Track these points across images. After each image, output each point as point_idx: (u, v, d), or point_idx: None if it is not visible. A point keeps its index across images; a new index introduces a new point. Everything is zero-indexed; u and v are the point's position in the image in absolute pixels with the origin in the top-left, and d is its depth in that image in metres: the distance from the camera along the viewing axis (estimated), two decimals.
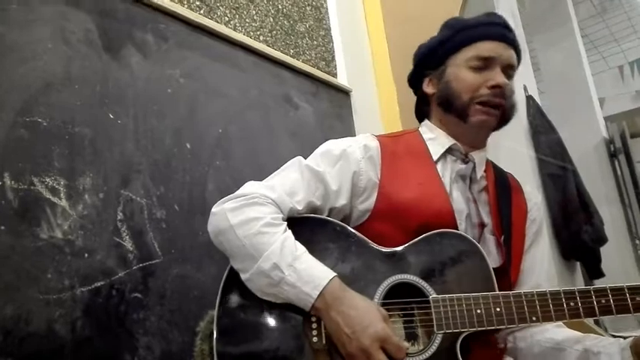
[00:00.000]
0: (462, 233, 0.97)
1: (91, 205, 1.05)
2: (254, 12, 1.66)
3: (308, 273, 0.86)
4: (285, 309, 0.88)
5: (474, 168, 1.06)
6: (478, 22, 1.06)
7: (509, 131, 2.61)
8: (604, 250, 2.65)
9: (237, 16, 1.58)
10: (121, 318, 1.05)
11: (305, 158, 1.07)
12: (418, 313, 0.91)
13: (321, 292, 0.84)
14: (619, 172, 3.57)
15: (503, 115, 1.04)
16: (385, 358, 0.81)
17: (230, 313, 0.90)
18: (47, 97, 1.04)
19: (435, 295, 0.90)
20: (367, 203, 1.01)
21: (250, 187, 0.96)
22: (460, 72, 1.04)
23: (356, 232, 0.97)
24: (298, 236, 0.91)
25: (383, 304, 0.89)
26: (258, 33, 1.65)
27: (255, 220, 0.89)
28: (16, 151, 0.97)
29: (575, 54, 3.68)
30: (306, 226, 0.96)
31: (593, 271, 2.65)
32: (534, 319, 0.89)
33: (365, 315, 0.83)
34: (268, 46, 1.66)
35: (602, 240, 2.58)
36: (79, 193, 1.04)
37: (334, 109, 1.94)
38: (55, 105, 1.05)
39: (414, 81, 1.16)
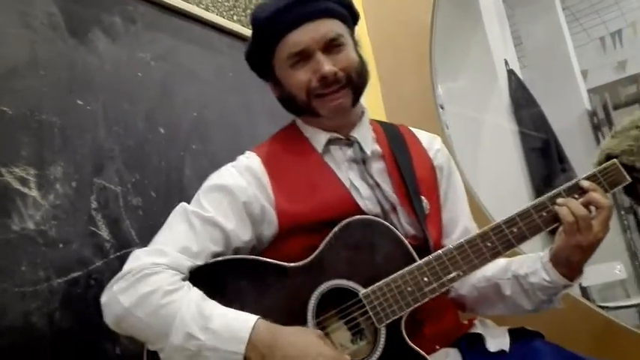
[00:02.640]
0: (364, 216, 0.94)
1: (63, 195, 1.03)
2: None
3: (227, 329, 0.77)
4: None
5: (360, 148, 1.01)
6: (275, 13, 0.94)
7: (490, 106, 2.62)
8: None
9: None
10: (100, 308, 1.02)
11: None
12: (357, 315, 0.88)
13: (248, 345, 0.76)
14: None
15: (353, 88, 0.98)
16: None
17: None
18: (11, 84, 1.01)
19: (364, 291, 0.88)
20: (272, 227, 0.95)
21: (137, 260, 0.86)
22: (286, 74, 0.98)
23: (263, 259, 0.91)
24: (205, 290, 0.84)
25: (318, 322, 0.87)
26: (232, 12, 1.61)
27: (151, 295, 0.80)
28: None
29: (557, 27, 3.67)
30: (210, 276, 0.88)
31: None
32: (461, 273, 0.89)
33: (306, 348, 0.77)
34: (243, 26, 1.63)
35: None
36: (50, 182, 1.01)
37: None
38: (20, 92, 1.02)
39: (266, 79, 1.07)
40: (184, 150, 1.31)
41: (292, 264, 0.90)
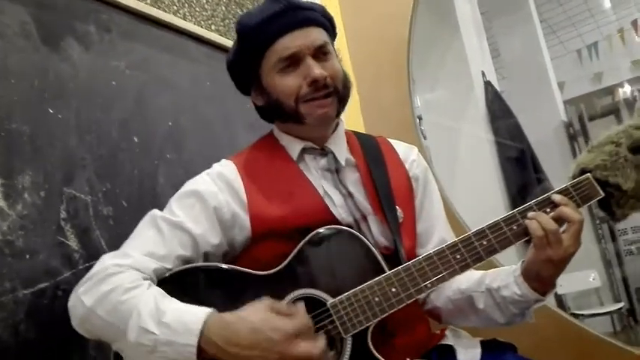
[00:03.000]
0: (335, 226, 0.94)
1: (32, 204, 1.01)
2: (204, 0, 1.62)
3: (179, 322, 0.76)
4: None
5: (334, 158, 1.03)
6: (264, 20, 0.96)
7: (467, 117, 2.66)
8: None
9: (186, 4, 1.53)
10: (68, 320, 1.00)
11: None
12: (324, 325, 0.87)
13: (201, 338, 0.75)
14: (578, 155, 3.66)
15: (339, 98, 1.00)
16: (307, 345, 0.76)
17: None
18: None
19: (332, 300, 0.87)
20: (244, 232, 0.96)
21: (101, 263, 0.87)
22: (273, 80, 0.98)
23: (233, 267, 0.91)
24: (175, 295, 0.83)
25: None
26: (210, 22, 1.61)
27: (111, 293, 0.81)
28: None
29: (534, 39, 3.75)
30: (180, 283, 0.88)
31: None
32: (429, 285, 0.88)
33: (261, 326, 0.75)
34: (221, 35, 1.63)
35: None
36: (18, 192, 1.00)
37: None
38: None
39: (242, 91, 1.10)
40: (158, 159, 1.30)
41: (262, 272, 0.90)
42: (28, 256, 0.98)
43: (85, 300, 0.83)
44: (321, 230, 0.92)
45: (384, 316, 0.87)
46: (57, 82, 1.13)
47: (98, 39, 1.24)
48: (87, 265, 1.07)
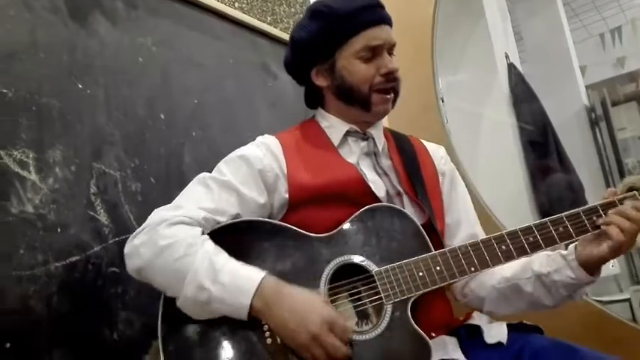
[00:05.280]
0: (391, 204, 1.00)
1: (63, 179, 1.02)
2: None
3: (234, 284, 0.83)
4: (232, 319, 0.85)
5: (374, 143, 1.09)
6: (357, 9, 1.02)
7: (490, 99, 2.60)
8: None
9: None
10: (98, 293, 1.03)
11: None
12: (365, 291, 0.92)
13: (253, 297, 0.82)
14: (600, 140, 3.60)
15: (395, 95, 1.08)
16: (336, 341, 0.80)
17: (175, 339, 0.86)
18: (11, 66, 0.99)
19: (377, 269, 0.92)
20: (281, 197, 1.00)
21: (155, 214, 0.92)
22: (352, 65, 1.04)
23: (287, 225, 0.96)
24: (228, 245, 0.88)
25: (330, 289, 0.90)
26: (234, 0, 1.60)
27: (168, 248, 0.86)
28: None
29: (557, 22, 3.66)
30: (235, 233, 0.93)
31: None
32: (473, 269, 0.93)
33: (306, 304, 0.82)
34: (244, 13, 1.62)
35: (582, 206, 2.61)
36: (50, 166, 1.01)
37: None
38: (20, 75, 1.01)
39: (296, 68, 1.13)
40: (185, 137, 1.31)
41: (313, 234, 0.95)
42: (59, 230, 0.99)
43: (143, 252, 0.87)
44: (376, 205, 0.98)
45: (426, 290, 0.91)
46: (85, 57, 1.13)
47: (125, 15, 1.24)
48: (116, 239, 1.08)
